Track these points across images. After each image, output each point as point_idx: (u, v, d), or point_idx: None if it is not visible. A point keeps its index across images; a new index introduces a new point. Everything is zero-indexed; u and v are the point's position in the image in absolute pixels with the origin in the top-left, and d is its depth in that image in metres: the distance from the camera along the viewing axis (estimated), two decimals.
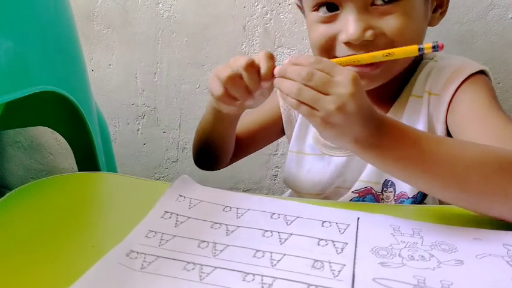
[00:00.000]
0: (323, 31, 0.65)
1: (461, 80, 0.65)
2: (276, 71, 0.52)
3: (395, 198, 0.72)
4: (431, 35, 1.16)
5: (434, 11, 0.68)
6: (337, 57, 0.67)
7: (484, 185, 0.48)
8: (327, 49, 0.66)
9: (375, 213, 0.53)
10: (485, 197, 0.48)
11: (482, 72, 0.68)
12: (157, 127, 1.39)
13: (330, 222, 0.51)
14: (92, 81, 0.95)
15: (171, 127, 1.38)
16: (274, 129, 0.88)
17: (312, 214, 0.52)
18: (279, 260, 0.44)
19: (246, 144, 0.87)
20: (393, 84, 0.70)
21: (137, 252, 0.46)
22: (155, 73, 1.35)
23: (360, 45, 0.62)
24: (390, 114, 0.72)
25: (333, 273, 0.42)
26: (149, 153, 1.44)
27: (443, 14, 0.69)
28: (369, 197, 0.74)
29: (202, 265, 0.43)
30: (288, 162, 0.84)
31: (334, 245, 0.46)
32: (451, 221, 0.50)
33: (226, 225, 0.51)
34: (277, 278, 0.41)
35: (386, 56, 0.50)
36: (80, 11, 1.33)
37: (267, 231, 0.49)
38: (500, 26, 1.09)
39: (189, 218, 0.53)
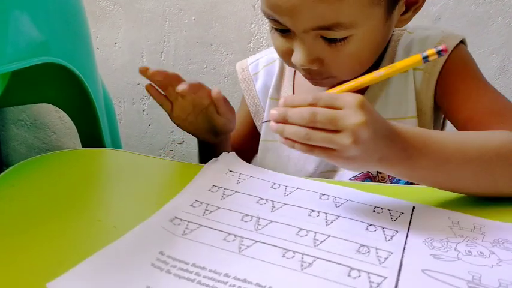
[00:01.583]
0: (280, 44, 0.62)
1: (447, 55, 0.62)
2: (274, 116, 0.45)
3: (390, 178, 0.70)
4: (446, 16, 1.13)
5: (406, 11, 0.61)
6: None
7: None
8: (287, 56, 0.62)
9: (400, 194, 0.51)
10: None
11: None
12: None
13: (382, 208, 0.48)
14: (97, 59, 0.93)
15: None
16: (256, 132, 0.85)
17: (364, 199, 0.50)
18: (322, 241, 0.43)
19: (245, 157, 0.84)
20: None
21: (181, 219, 0.46)
22: (162, 52, 1.32)
23: (309, 69, 0.60)
24: (370, 93, 0.68)
25: (379, 260, 0.40)
26: (154, 134, 1.42)
27: (417, 9, 0.62)
28: (367, 181, 0.71)
29: (243, 238, 0.43)
30: (263, 153, 0.79)
31: (384, 231, 0.44)
32: None
33: (273, 201, 0.50)
34: (318, 258, 0.40)
35: (388, 70, 0.47)
36: None
37: (314, 211, 0.48)
38: None
39: (236, 192, 0.53)
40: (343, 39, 0.55)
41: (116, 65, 1.39)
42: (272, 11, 0.56)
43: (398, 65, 0.46)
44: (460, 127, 0.61)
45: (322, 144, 0.43)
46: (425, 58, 0.44)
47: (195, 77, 1.31)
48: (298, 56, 0.58)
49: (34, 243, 0.43)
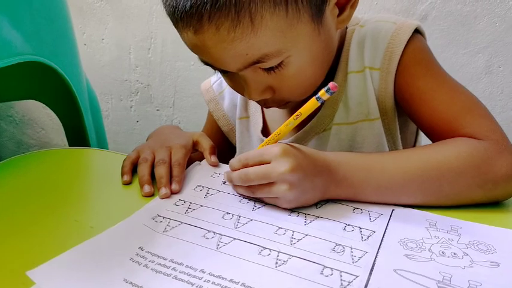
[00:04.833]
0: (229, 82, 0.60)
1: (401, 51, 0.59)
2: (227, 181, 0.54)
3: None
4: (433, 15, 1.14)
5: (342, 12, 0.57)
6: None
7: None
8: (241, 92, 0.61)
9: None
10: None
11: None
12: (151, 104, 1.36)
13: (361, 209, 0.50)
14: (84, 56, 0.93)
15: (164, 105, 1.35)
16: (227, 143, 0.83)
17: (345, 201, 0.52)
18: (299, 239, 0.44)
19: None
20: None
21: (163, 217, 0.47)
22: (149, 49, 1.32)
23: (264, 99, 0.59)
24: (329, 100, 0.63)
25: (352, 259, 0.41)
26: (142, 130, 1.42)
27: (354, 5, 0.57)
28: None
29: (222, 235, 0.44)
30: None
31: (361, 231, 0.45)
32: (495, 222, 0.47)
33: (254, 201, 0.51)
34: (293, 256, 0.41)
35: (296, 118, 0.50)
36: None
37: (294, 211, 0.49)
38: (503, 8, 1.06)
39: (219, 191, 0.54)
40: (279, 64, 0.53)
41: (103, 61, 1.38)
42: (203, 59, 0.54)
43: (304, 113, 0.50)
44: (423, 130, 0.60)
45: (266, 196, 0.49)
46: (319, 99, 0.48)
47: (182, 74, 1.31)
48: (247, 92, 0.57)
49: (9, 239, 0.44)
